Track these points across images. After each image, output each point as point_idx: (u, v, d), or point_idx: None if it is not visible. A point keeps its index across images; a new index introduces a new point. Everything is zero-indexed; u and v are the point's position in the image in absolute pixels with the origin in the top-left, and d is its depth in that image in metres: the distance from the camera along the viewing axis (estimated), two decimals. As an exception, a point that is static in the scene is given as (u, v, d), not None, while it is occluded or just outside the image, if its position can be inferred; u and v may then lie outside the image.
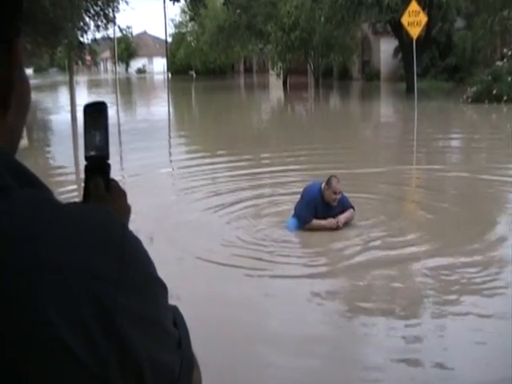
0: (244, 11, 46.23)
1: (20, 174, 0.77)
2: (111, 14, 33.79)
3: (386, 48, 43.52)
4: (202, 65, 67.21)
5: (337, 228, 7.95)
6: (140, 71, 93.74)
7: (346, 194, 8.34)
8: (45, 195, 0.78)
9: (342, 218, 8.03)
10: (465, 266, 6.62)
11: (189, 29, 71.51)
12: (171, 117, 29.61)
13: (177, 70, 72.79)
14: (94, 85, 63.11)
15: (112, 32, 51.42)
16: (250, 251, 7.28)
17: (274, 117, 28.66)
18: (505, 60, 26.52)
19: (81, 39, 34.02)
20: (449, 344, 4.94)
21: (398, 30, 30.80)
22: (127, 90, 55.30)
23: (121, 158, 14.46)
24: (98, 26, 33.17)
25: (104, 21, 32.98)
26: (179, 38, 73.96)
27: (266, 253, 7.25)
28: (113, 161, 0.99)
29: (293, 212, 8.23)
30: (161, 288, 0.80)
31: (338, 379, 4.60)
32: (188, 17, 70.54)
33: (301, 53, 43.56)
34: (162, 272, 0.81)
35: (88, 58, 58.05)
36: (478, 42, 33.83)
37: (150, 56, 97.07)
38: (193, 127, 24.67)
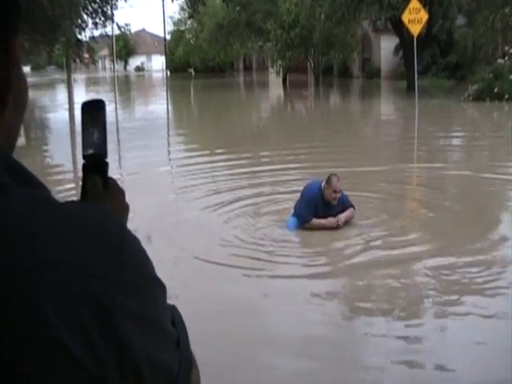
0: (243, 8, 46.27)
1: (17, 173, 0.77)
2: (109, 12, 33.79)
3: (386, 46, 43.52)
4: (201, 62, 67.18)
5: (337, 227, 7.94)
6: (138, 69, 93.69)
7: (347, 193, 8.34)
8: (42, 194, 0.78)
9: (343, 217, 8.03)
10: (466, 265, 6.60)
11: (188, 26, 71.52)
12: (170, 115, 29.60)
13: (175, 67, 72.76)
14: (92, 83, 63.07)
15: (110, 29, 51.50)
16: (249, 251, 7.25)
17: (273, 115, 28.65)
18: (506, 58, 26.50)
19: (79, 37, 34.08)
20: (449, 344, 4.92)
21: (399, 28, 30.78)
22: (125, 87, 55.25)
23: (119, 157, 14.46)
24: (96, 24, 33.20)
25: (102, 18, 33.01)
26: (178, 35, 73.94)
27: (265, 252, 7.22)
28: (111, 159, 0.99)
29: (292, 211, 8.23)
30: (159, 287, 0.80)
31: (338, 380, 4.60)
32: (187, 14, 70.50)
33: (301, 50, 43.55)
34: (160, 271, 0.81)
35: (86, 55, 58.06)
36: (479, 39, 33.84)
37: (149, 54, 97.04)
38: (192, 125, 24.65)
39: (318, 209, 7.98)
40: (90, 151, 1.00)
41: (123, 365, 0.72)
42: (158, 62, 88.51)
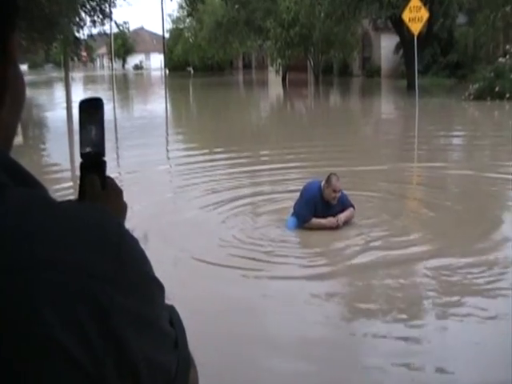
0: (242, 6, 46.26)
1: (14, 172, 0.77)
2: (108, 10, 33.84)
3: (386, 44, 43.53)
4: (200, 61, 67.14)
5: (337, 227, 7.94)
6: (137, 67, 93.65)
7: (347, 192, 8.33)
8: (40, 193, 0.78)
9: (342, 216, 8.02)
10: (467, 266, 6.58)
11: (186, 24, 71.49)
12: (169, 114, 29.60)
13: (174, 66, 72.75)
14: (90, 81, 63.06)
15: (108, 27, 51.38)
16: (248, 251, 7.24)
17: (273, 114, 28.65)
18: (507, 57, 26.50)
19: (77, 35, 34.10)
20: (450, 346, 4.92)
21: (399, 26, 30.79)
22: (124, 86, 55.24)
23: (117, 155, 14.47)
24: (94, 22, 33.20)
25: (100, 16, 33.02)
26: (177, 33, 73.92)
27: (264, 253, 7.21)
28: (109, 158, 0.99)
29: (292, 211, 8.22)
30: (157, 287, 0.80)
31: (338, 381, 4.59)
32: (186, 12, 70.80)
33: (300, 49, 43.55)
34: (158, 272, 0.81)
35: (84, 53, 58.07)
36: (480, 38, 33.82)
37: (147, 52, 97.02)
38: (191, 124, 24.66)
39: (318, 208, 7.97)
40: (88, 149, 0.99)
41: (121, 365, 0.72)
42: (156, 61, 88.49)
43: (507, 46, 28.43)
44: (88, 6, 31.96)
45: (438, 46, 37.55)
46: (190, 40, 67.43)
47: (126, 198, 1.03)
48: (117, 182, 1.02)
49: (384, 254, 7.05)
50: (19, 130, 0.90)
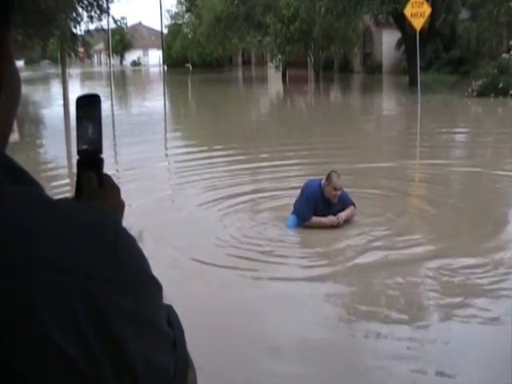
0: (242, 2, 46.21)
1: (10, 170, 0.77)
2: (105, 5, 33.77)
3: (388, 40, 43.49)
4: (199, 57, 67.06)
5: (337, 226, 7.93)
6: (135, 64, 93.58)
7: (348, 190, 8.32)
8: (36, 191, 0.78)
9: (343, 215, 8.01)
10: (471, 266, 6.52)
11: (185, 20, 71.44)
12: (167, 110, 29.59)
13: (173, 62, 72.68)
14: (87, 77, 63.04)
15: (106, 23, 51.42)
16: (246, 251, 7.20)
17: (272, 110, 28.64)
18: (511, 52, 26.49)
19: (74, 30, 34.04)
20: (452, 348, 4.89)
21: (401, 22, 30.76)
22: (122, 83, 55.19)
23: (115, 152, 14.48)
24: (91, 17, 33.17)
25: (97, 11, 32.97)
26: (175, 29, 73.83)
27: (262, 253, 7.17)
28: (107, 154, 0.99)
29: (292, 209, 8.22)
30: (155, 286, 0.81)
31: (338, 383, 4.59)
32: (184, 7, 70.80)
33: (300, 45, 43.48)
34: (154, 272, 0.81)
35: (81, 49, 58.06)
36: (483, 33, 33.79)
37: (146, 48, 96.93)
38: (189, 121, 24.65)
39: (318, 207, 7.96)
40: (85, 147, 1.00)
41: (118, 365, 0.72)
42: (154, 57, 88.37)
43: (511, 42, 28.45)
44: (85, 1, 31.93)
45: (441, 42, 37.52)
46: (189, 36, 67.39)
47: (123, 195, 1.03)
48: (114, 179, 1.03)
49: (386, 254, 7.01)
50: (15, 127, 0.90)
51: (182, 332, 0.87)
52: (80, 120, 1.00)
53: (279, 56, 45.42)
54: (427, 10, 25.51)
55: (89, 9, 32.41)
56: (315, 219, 7.95)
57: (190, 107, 32.49)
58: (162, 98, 36.80)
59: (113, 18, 47.38)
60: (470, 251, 7.07)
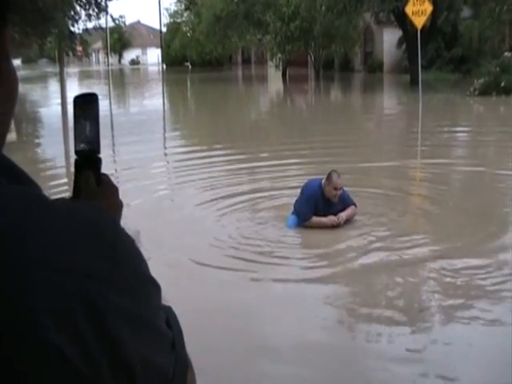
0: (242, 0, 46.18)
1: (8, 169, 0.78)
2: (103, 3, 33.76)
3: (389, 38, 43.48)
4: (198, 56, 67.02)
5: (338, 225, 7.92)
6: (133, 62, 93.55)
7: (349, 189, 8.32)
8: (34, 191, 0.78)
9: (344, 215, 8.01)
10: (474, 267, 6.49)
11: (184, 18, 71.39)
12: (166, 110, 29.60)
13: (172, 61, 72.64)
14: (85, 76, 63.03)
15: (104, 21, 51.35)
16: (246, 252, 7.18)
17: (272, 110, 28.64)
18: (513, 51, 26.52)
19: (71, 29, 34.05)
20: (455, 351, 4.87)
21: (402, 20, 30.76)
22: (120, 81, 55.20)
23: (113, 152, 14.48)
24: (89, 16, 33.17)
25: (96, 10, 32.98)
26: (174, 27, 73.80)
27: (262, 254, 7.15)
28: (105, 154, 0.99)
29: (292, 209, 8.22)
30: (154, 287, 0.81)
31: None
32: (183, 6, 70.73)
33: (301, 43, 43.48)
34: (152, 272, 0.81)
35: (79, 48, 58.09)
36: (485, 31, 33.80)
37: (144, 47, 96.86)
38: (188, 120, 24.66)
39: (319, 206, 7.96)
40: (83, 146, 1.00)
41: (117, 365, 0.72)
42: (153, 56, 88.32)
43: (513, 40, 28.45)
44: (83, 0, 31.93)
45: (442, 40, 37.53)
46: (188, 34, 67.37)
47: (121, 195, 1.03)
48: (113, 178, 1.03)
49: (387, 255, 6.99)
50: (12, 126, 0.90)
51: (180, 333, 0.87)
52: (78, 119, 1.00)
53: (279, 55, 45.40)
54: (428, 7, 25.49)
55: (87, 7, 32.43)
56: (315, 219, 7.95)
57: (189, 106, 32.49)
58: (161, 97, 36.80)
59: (111, 17, 47.24)
60: (473, 252, 7.04)
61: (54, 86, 47.99)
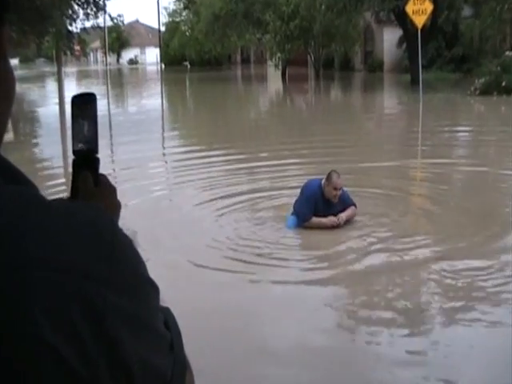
0: (241, -2, 46.17)
1: (5, 170, 0.78)
2: (101, 2, 33.75)
3: (389, 38, 43.51)
4: (197, 55, 67.02)
5: (337, 226, 7.92)
6: (132, 62, 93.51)
7: (349, 189, 8.31)
8: (31, 191, 0.78)
9: (344, 215, 8.00)
10: (476, 269, 6.46)
11: (183, 17, 71.39)
12: (165, 109, 29.60)
13: (170, 60, 72.64)
14: (83, 76, 63.02)
15: (102, 21, 51.35)
16: (245, 254, 7.16)
17: (272, 109, 28.64)
18: (514, 50, 26.53)
19: (69, 28, 34.05)
20: (455, 354, 4.85)
21: (403, 19, 30.77)
22: (118, 81, 55.21)
23: (112, 151, 14.49)
24: (87, 15, 33.16)
25: (94, 9, 32.97)
26: (173, 27, 73.80)
27: (261, 255, 7.13)
28: (103, 154, 0.99)
29: (292, 209, 8.21)
30: (152, 288, 0.81)
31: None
32: (182, 5, 70.72)
33: (300, 43, 43.48)
34: (150, 273, 0.81)
35: (77, 47, 58.04)
36: (486, 30, 33.82)
37: (143, 46, 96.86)
38: (187, 120, 24.66)
39: (319, 207, 7.96)
40: (80, 146, 1.00)
41: (115, 366, 0.72)
42: (152, 55, 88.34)
43: (514, 39, 28.45)
44: (81, -1, 31.94)
45: (443, 40, 37.55)
46: (187, 33, 67.35)
47: (119, 195, 1.03)
48: (111, 178, 1.03)
49: (387, 256, 6.98)
50: (10, 126, 0.90)
51: (179, 334, 0.87)
52: (75, 119, 1.00)
53: (279, 54, 45.37)
54: (429, 7, 25.51)
55: (85, 6, 32.42)
56: (315, 220, 7.94)
57: (188, 106, 32.50)
58: (160, 96, 36.80)
59: (109, 16, 47.20)
60: (474, 253, 7.02)
61: (51, 85, 48.00)
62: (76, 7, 32.24)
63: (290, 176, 10.90)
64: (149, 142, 16.27)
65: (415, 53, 26.30)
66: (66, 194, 1.01)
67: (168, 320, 0.85)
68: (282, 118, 23.12)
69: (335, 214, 7.96)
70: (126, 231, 0.79)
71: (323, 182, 7.99)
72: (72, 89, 38.75)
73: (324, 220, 7.94)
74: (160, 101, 33.51)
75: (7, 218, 0.72)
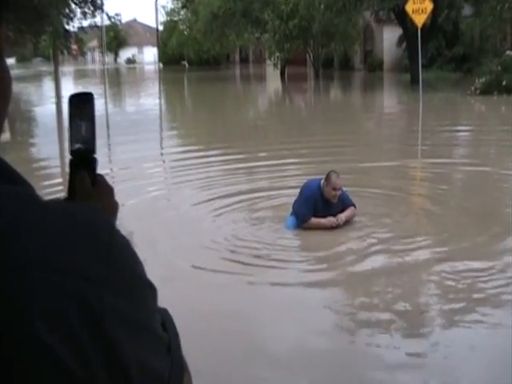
0: (239, -3, 46.16)
1: (1, 170, 0.78)
2: (99, 1, 33.75)
3: (389, 37, 43.52)
4: (195, 54, 66.99)
5: (337, 227, 7.91)
6: (130, 61, 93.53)
7: (348, 189, 8.31)
8: (28, 191, 0.78)
9: (343, 216, 7.99)
10: (477, 270, 6.44)
11: (181, 16, 71.35)
12: (163, 109, 29.59)
13: (168, 59, 72.64)
14: (80, 75, 63.01)
15: (100, 20, 51.34)
16: (243, 255, 7.14)
17: (271, 109, 28.65)
18: (515, 49, 26.55)
19: (66, 27, 34.05)
20: (455, 355, 4.84)
21: (402, 18, 30.78)
22: (116, 81, 55.18)
23: (109, 151, 14.49)
24: (84, 13, 33.17)
25: (91, 8, 32.98)
26: (171, 26, 73.79)
27: (259, 257, 7.11)
28: (101, 154, 0.99)
29: (291, 210, 8.20)
30: (150, 289, 0.81)
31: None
32: (180, 4, 70.65)
33: (299, 42, 43.47)
34: (148, 274, 0.81)
35: (74, 47, 58.08)
36: (486, 30, 33.82)
37: (141, 45, 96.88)
38: (186, 120, 24.66)
39: (318, 207, 7.95)
40: (78, 146, 1.00)
41: (112, 367, 0.72)
42: (149, 54, 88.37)
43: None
44: (78, -3, 31.94)
45: (443, 39, 37.57)
46: (185, 33, 67.30)
47: (117, 195, 1.03)
48: (108, 178, 1.03)
49: (387, 258, 6.97)
50: (6, 125, 0.90)
51: (176, 336, 0.87)
52: (73, 119, 1.00)
53: (278, 53, 45.37)
54: (429, 6, 25.51)
55: (82, 5, 32.43)
56: (314, 220, 7.94)
57: (187, 105, 32.49)
58: (158, 96, 36.80)
59: (107, 15, 47.29)
60: (475, 254, 7.01)
61: (48, 85, 47.97)
62: (73, 6, 32.27)
63: (289, 176, 10.90)
64: (146, 142, 16.27)
65: (415, 52, 26.31)
66: (63, 194, 1.01)
67: (165, 321, 0.86)
68: (281, 118, 23.13)
69: (334, 215, 7.95)
70: (123, 231, 0.79)
71: (322, 182, 7.99)
72: (69, 88, 38.70)
73: (323, 221, 7.93)
74: (158, 100, 33.50)
75: (5, 218, 0.72)
